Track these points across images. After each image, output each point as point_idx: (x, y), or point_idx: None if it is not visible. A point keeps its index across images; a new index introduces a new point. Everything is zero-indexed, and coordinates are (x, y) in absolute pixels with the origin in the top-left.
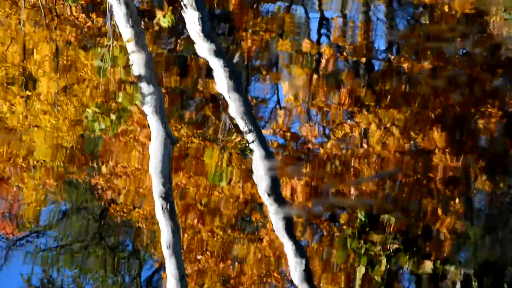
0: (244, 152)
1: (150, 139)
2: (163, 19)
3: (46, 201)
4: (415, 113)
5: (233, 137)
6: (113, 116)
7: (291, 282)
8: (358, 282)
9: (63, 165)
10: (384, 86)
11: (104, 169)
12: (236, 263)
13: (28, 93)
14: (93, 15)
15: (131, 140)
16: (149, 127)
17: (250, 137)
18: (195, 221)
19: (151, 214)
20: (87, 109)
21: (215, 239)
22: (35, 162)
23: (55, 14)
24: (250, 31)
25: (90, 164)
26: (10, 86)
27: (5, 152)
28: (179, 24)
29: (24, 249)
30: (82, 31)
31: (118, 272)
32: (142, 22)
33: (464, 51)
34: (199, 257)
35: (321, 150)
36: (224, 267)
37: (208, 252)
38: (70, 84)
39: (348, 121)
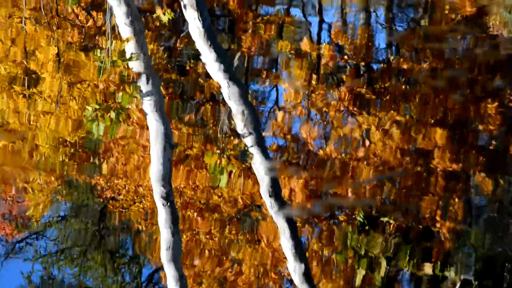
0: (244, 156)
1: (149, 141)
2: (163, 16)
3: (49, 202)
4: (415, 113)
5: (232, 139)
6: (112, 114)
7: (290, 282)
8: (358, 283)
9: (66, 164)
10: (384, 86)
11: (104, 168)
12: (235, 264)
13: (31, 91)
14: (94, 13)
15: (130, 142)
16: (147, 128)
17: (249, 139)
18: (195, 214)
19: (151, 209)
20: (86, 107)
21: (212, 242)
22: (39, 157)
23: (55, 13)
24: (250, 31)
25: (90, 163)
26: (13, 85)
27: (9, 151)
28: (179, 23)
29: (23, 254)
30: (83, 30)
31: (119, 270)
32: (143, 19)
33: (464, 52)
34: (196, 262)
35: (320, 152)
36: (221, 270)
37: (206, 252)
38: (72, 83)
39: (349, 119)
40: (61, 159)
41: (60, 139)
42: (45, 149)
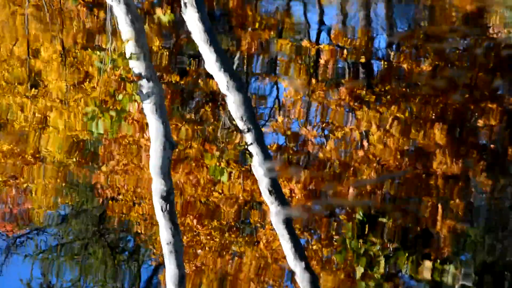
0: (244, 157)
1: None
2: (163, 16)
3: (54, 203)
4: (415, 113)
5: (233, 137)
6: (112, 113)
7: (291, 273)
8: (357, 282)
9: (69, 164)
10: (384, 86)
11: (104, 168)
12: (235, 258)
13: (33, 91)
14: (95, 10)
15: (130, 141)
16: (147, 127)
17: (249, 137)
18: (194, 221)
19: (150, 212)
20: (86, 108)
21: (212, 242)
22: (47, 156)
23: (57, 11)
24: (249, 29)
25: (91, 162)
26: (18, 85)
27: (13, 151)
28: (179, 22)
29: (23, 249)
30: (85, 28)
31: (119, 268)
32: (142, 17)
33: (464, 51)
34: (198, 251)
35: (320, 153)
36: (222, 264)
37: (206, 248)
38: (77, 81)
39: (349, 116)
40: (69, 159)
41: (68, 140)
42: (53, 150)
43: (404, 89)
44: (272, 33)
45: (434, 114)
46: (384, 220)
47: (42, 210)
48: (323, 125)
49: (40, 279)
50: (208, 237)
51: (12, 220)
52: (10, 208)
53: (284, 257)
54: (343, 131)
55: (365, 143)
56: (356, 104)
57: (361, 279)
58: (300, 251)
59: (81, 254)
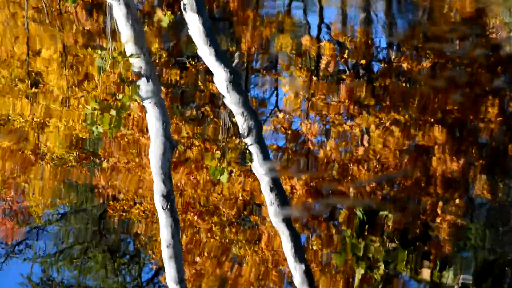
0: (244, 159)
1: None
2: (163, 17)
3: (50, 204)
4: (415, 113)
5: (233, 138)
6: (113, 112)
7: (291, 283)
8: (357, 284)
9: (68, 164)
10: (384, 86)
11: (105, 166)
12: (235, 265)
13: (34, 90)
14: (94, 15)
15: (130, 141)
16: (147, 131)
17: (249, 139)
18: (195, 217)
19: (151, 211)
20: (86, 107)
21: (213, 240)
22: (47, 153)
23: (57, 13)
24: (249, 31)
25: (90, 162)
26: (19, 82)
27: (12, 151)
28: (179, 23)
29: (22, 255)
30: (85, 30)
31: (119, 272)
32: (142, 20)
33: (464, 52)
34: (197, 259)
35: (321, 152)
36: (221, 269)
37: (206, 254)
38: (78, 81)
39: (348, 121)
40: (69, 154)
41: (69, 140)
42: (56, 149)
43: (404, 88)
44: (273, 30)
45: (433, 115)
46: (385, 213)
47: (40, 209)
48: (323, 124)
49: (41, 269)
50: (209, 234)
51: (12, 215)
52: (10, 205)
53: (285, 259)
54: (342, 129)
55: (365, 142)
56: (355, 110)
57: (360, 285)
58: (300, 252)
59: (80, 258)
